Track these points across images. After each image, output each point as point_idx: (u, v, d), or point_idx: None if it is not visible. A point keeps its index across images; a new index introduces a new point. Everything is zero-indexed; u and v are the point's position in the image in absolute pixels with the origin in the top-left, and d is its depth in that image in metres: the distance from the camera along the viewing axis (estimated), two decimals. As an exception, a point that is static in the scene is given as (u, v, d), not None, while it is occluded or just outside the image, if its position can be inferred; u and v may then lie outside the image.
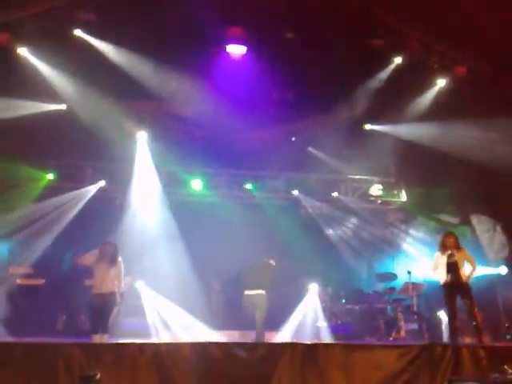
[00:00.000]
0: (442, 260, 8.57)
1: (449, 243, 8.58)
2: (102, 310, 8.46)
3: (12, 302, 10.20)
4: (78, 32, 11.06)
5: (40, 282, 11.14)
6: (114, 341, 8.45)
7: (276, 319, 10.86)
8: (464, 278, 8.39)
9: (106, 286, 8.49)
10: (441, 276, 8.56)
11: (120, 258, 8.81)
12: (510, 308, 11.83)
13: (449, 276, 8.43)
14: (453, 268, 8.44)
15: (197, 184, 13.14)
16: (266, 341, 9.47)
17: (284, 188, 13.86)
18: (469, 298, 8.35)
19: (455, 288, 8.41)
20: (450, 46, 11.18)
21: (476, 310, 8.28)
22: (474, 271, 8.47)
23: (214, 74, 11.64)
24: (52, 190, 12.28)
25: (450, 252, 8.54)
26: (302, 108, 12.56)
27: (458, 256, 8.51)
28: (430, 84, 12.47)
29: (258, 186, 13.59)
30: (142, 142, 12.82)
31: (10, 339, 8.25)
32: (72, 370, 6.34)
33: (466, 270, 8.48)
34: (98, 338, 8.24)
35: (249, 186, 13.58)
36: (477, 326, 8.20)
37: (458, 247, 8.61)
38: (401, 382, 7.01)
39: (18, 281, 10.97)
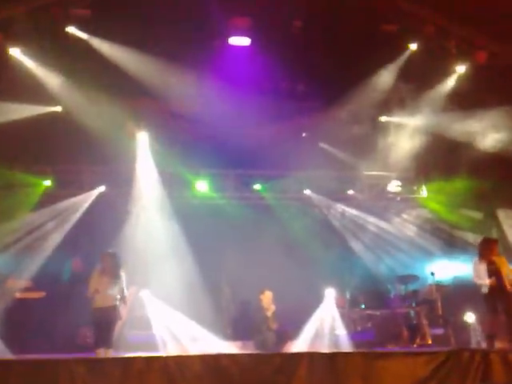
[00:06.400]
0: (483, 266, 8.38)
1: (484, 250, 8.48)
2: (104, 324, 8.30)
3: (11, 317, 9.89)
4: (71, 29, 10.68)
5: (40, 294, 10.80)
6: (120, 355, 8.31)
7: (291, 328, 10.53)
8: (507, 285, 8.22)
9: (107, 299, 8.32)
10: (483, 282, 8.37)
11: (122, 270, 8.57)
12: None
13: (491, 282, 8.23)
14: (495, 275, 8.26)
15: (202, 186, 12.66)
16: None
17: (295, 187, 13.29)
18: (509, 305, 8.24)
19: (498, 294, 8.23)
20: (469, 29, 10.66)
21: None
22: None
23: (217, 69, 11.17)
24: (50, 197, 11.92)
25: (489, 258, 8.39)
26: (312, 101, 12.16)
27: (498, 262, 8.34)
28: (448, 71, 11.96)
29: (268, 186, 13.06)
30: (143, 143, 12.39)
31: (9, 356, 8.09)
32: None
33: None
34: (102, 353, 8.05)
35: (258, 187, 13.06)
36: None
37: (497, 253, 8.51)
38: (427, 391, 6.73)
39: (18, 295, 10.63)
